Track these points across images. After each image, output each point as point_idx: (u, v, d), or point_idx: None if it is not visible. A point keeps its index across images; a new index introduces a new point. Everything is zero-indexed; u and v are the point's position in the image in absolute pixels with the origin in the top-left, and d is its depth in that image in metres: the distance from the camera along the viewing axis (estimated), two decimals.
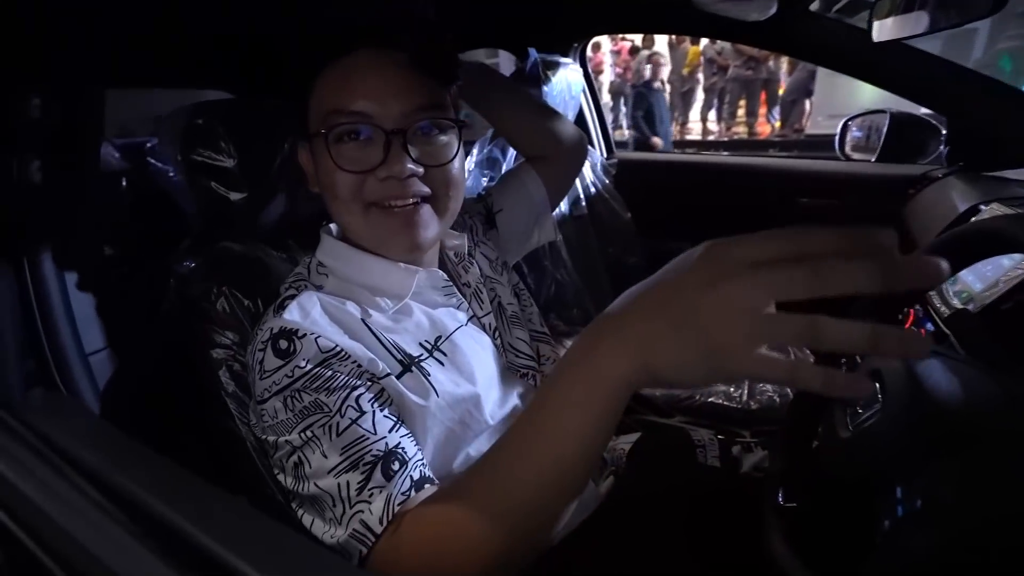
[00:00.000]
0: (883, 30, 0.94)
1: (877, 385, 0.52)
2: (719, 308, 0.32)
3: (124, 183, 1.23)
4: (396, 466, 0.48)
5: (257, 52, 0.75)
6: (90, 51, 0.54)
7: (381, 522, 0.45)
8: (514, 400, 0.68)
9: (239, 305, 0.71)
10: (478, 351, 0.66)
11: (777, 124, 7.27)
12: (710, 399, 1.24)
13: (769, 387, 1.26)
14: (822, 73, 6.34)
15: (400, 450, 0.49)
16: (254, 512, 0.38)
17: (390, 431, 0.50)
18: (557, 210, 1.51)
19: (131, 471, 0.40)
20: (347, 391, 0.51)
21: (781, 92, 7.17)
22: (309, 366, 0.51)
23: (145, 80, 0.87)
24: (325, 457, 0.48)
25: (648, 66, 5.14)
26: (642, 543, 0.67)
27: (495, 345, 0.69)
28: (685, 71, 7.95)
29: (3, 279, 0.49)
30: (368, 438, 0.49)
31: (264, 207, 0.78)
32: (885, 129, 1.46)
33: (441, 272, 0.67)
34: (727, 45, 6.87)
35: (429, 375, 0.59)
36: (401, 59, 0.57)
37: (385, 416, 0.52)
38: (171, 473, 0.41)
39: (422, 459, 0.51)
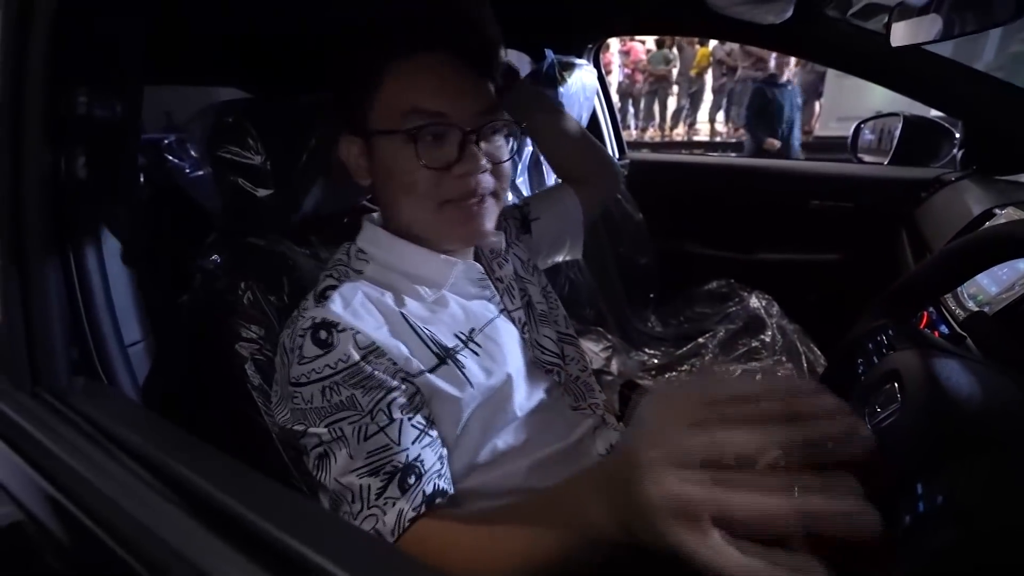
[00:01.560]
0: (901, 35, 0.94)
1: (896, 385, 0.53)
2: (664, 505, 0.33)
3: (142, 179, 1.25)
4: (412, 480, 0.52)
5: (288, 50, 0.76)
6: (130, 48, 0.56)
7: (393, 533, 0.50)
8: (540, 394, 0.69)
9: (264, 299, 0.72)
10: (509, 343, 0.68)
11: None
12: None
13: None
14: (831, 75, 6.33)
15: (419, 463, 0.54)
16: (294, 494, 0.40)
17: (413, 442, 0.54)
18: None
19: (176, 453, 0.41)
20: (382, 392, 0.54)
21: None
22: (349, 360, 0.54)
23: (176, 78, 0.88)
24: (351, 458, 0.52)
25: (772, 59, 4.08)
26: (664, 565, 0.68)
27: (523, 339, 0.71)
28: (693, 72, 7.95)
29: (53, 272, 0.50)
30: (391, 448, 0.53)
31: (289, 204, 0.79)
32: (898, 132, 1.47)
33: (478, 265, 0.69)
34: (736, 46, 6.85)
35: (464, 367, 0.61)
36: (463, 62, 0.60)
37: (412, 425, 0.55)
38: (213, 455, 0.43)
39: (439, 469, 0.55)
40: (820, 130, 6.68)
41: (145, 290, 0.72)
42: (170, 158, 1.10)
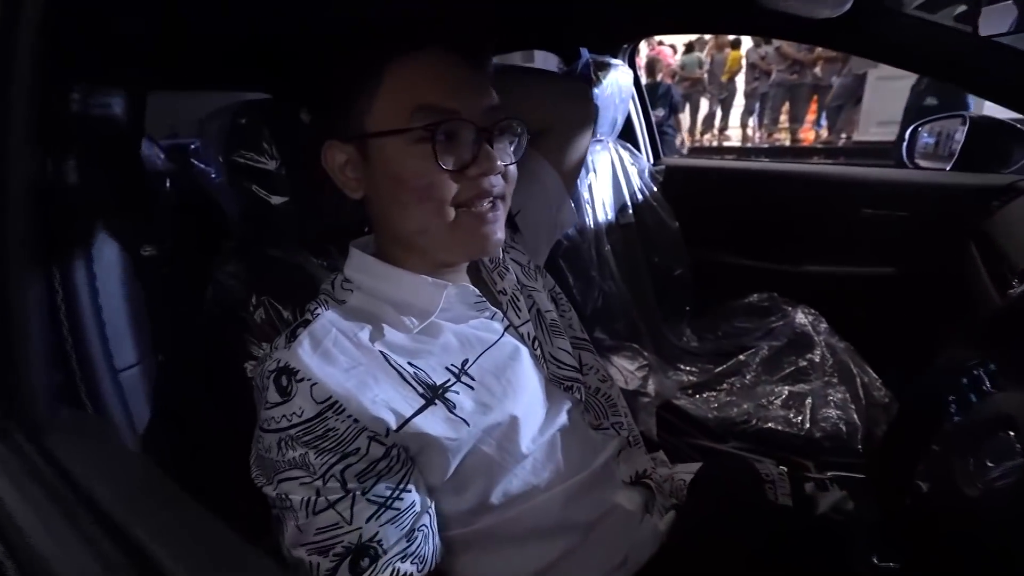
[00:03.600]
0: (992, 22, 0.84)
1: (1012, 435, 0.45)
2: None
3: (168, 184, 1.23)
4: (366, 563, 0.48)
5: (301, 50, 0.71)
6: (133, 49, 0.51)
7: None
8: (562, 418, 0.63)
9: (278, 317, 0.67)
10: (515, 367, 0.61)
11: (824, 131, 7.03)
12: (768, 424, 1.15)
13: (833, 411, 1.17)
14: (872, 78, 6.11)
15: (375, 543, 0.49)
16: None
17: (370, 519, 0.49)
18: (604, 217, 1.46)
19: (159, 529, 0.35)
20: (335, 457, 0.49)
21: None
22: (303, 415, 0.49)
23: (184, 83, 0.84)
24: (300, 531, 0.49)
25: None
26: None
27: (535, 356, 0.64)
28: (724, 77, 7.77)
29: (33, 287, 0.45)
30: (341, 526, 0.48)
31: (307, 212, 0.74)
32: (962, 135, 1.36)
33: (473, 288, 0.62)
34: (771, 49, 6.68)
35: (455, 407, 0.55)
36: (465, 57, 0.56)
37: (369, 499, 0.49)
38: (197, 520, 0.36)
39: (403, 548, 0.50)
40: (859, 135, 6.44)
41: (154, 305, 0.68)
42: (196, 163, 1.08)
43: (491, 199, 0.57)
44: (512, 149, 0.60)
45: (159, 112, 0.90)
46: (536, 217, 0.81)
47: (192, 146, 1.08)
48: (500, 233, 0.58)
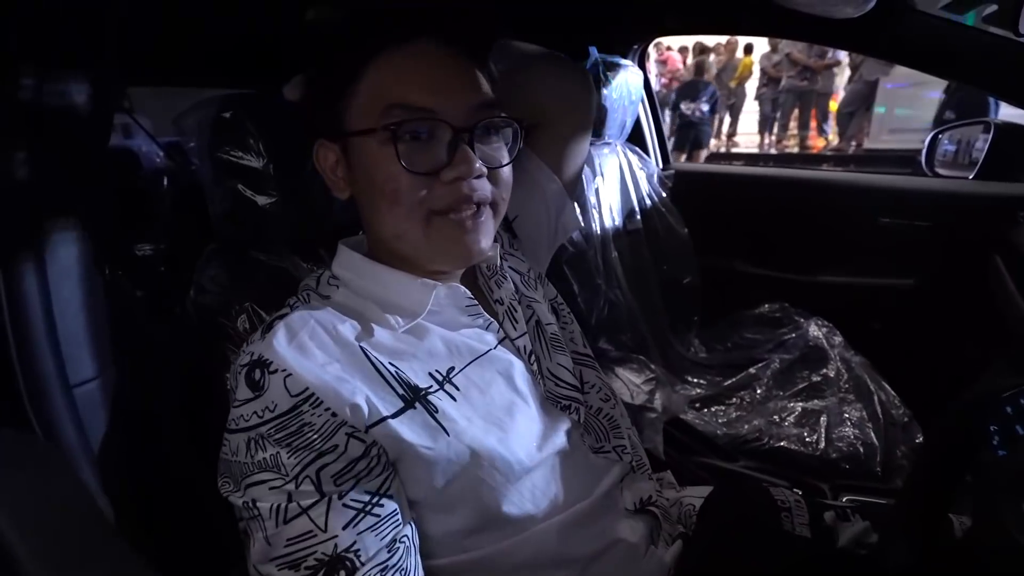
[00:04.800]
0: None
1: None
2: None
3: (166, 182, 1.20)
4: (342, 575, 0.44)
5: (289, 42, 0.67)
6: (98, 39, 0.47)
7: None
8: (560, 439, 0.59)
9: (261, 324, 0.62)
10: (505, 382, 0.57)
11: (831, 137, 6.95)
12: (780, 443, 1.10)
13: (849, 430, 1.11)
14: (884, 84, 6.03)
15: (351, 554, 0.44)
16: None
17: (347, 526, 0.45)
18: (610, 223, 1.41)
19: None
20: (311, 455, 0.45)
21: (834, 104, 6.84)
22: (276, 409, 0.45)
23: (163, 78, 0.80)
24: (268, 544, 0.44)
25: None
26: None
27: (531, 371, 0.60)
28: (733, 84, 7.71)
29: None
30: (315, 535, 0.44)
31: (295, 213, 0.69)
32: (987, 142, 1.30)
33: (464, 289, 0.57)
34: (784, 55, 6.61)
35: (437, 412, 0.51)
36: (458, 51, 0.52)
37: (347, 503, 0.45)
38: None
39: (384, 560, 0.46)
40: (871, 142, 6.35)
41: (133, 310, 0.63)
42: (194, 161, 1.05)
43: (472, 205, 0.52)
44: (506, 150, 0.56)
45: (163, 110, 0.87)
46: (534, 222, 0.76)
47: (191, 144, 1.05)
48: (484, 242, 0.54)
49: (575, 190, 0.80)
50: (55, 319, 0.45)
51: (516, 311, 0.63)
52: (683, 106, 5.48)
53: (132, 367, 0.53)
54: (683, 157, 6.21)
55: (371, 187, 0.52)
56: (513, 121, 0.56)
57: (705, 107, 5.41)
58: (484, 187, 0.53)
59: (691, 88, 5.70)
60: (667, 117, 8.54)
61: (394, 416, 0.48)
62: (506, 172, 0.56)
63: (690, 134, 5.53)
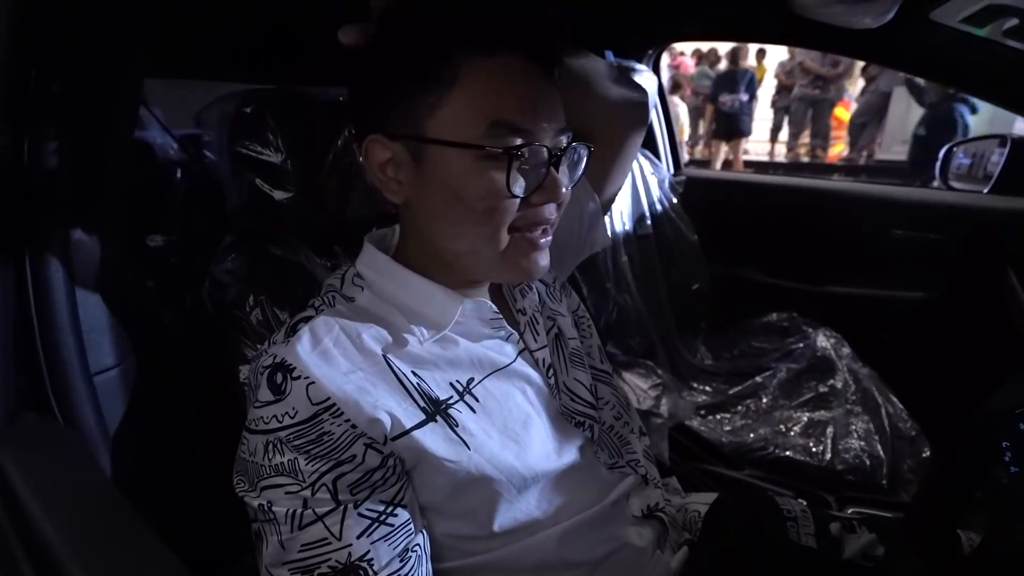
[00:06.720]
0: None
1: None
2: None
3: (179, 174, 1.21)
4: None
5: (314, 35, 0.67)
6: (129, 29, 0.47)
7: None
8: (572, 454, 0.59)
9: (274, 318, 0.63)
10: (519, 396, 0.57)
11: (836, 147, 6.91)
12: (786, 452, 1.10)
13: (856, 442, 1.11)
14: (897, 96, 5.99)
15: (365, 563, 0.45)
16: None
17: (361, 535, 0.45)
18: (621, 227, 1.41)
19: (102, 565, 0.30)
20: (328, 464, 0.44)
21: (842, 111, 6.79)
22: (296, 416, 0.44)
23: (186, 70, 0.80)
24: (282, 548, 0.44)
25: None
26: None
27: (547, 385, 0.60)
28: None
29: (1, 280, 0.42)
30: (329, 542, 0.44)
31: (312, 208, 0.70)
32: (1003, 156, 1.30)
33: (489, 304, 0.56)
34: (799, 63, 6.57)
35: (457, 426, 0.51)
36: (540, 66, 0.50)
37: (362, 512, 0.45)
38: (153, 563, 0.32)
39: (397, 569, 0.46)
40: (882, 153, 6.31)
41: (149, 301, 0.64)
42: (208, 154, 1.06)
43: (548, 224, 0.53)
44: (574, 173, 0.55)
45: (181, 102, 0.87)
46: (565, 232, 0.72)
47: (206, 137, 1.06)
48: (547, 259, 0.54)
49: (610, 207, 0.80)
50: (78, 309, 0.46)
51: (538, 323, 0.63)
52: (722, 98, 5.43)
53: (150, 356, 0.53)
54: (723, 146, 6.19)
55: (452, 200, 0.49)
56: (588, 146, 0.55)
57: (745, 96, 5.38)
58: (555, 209, 0.53)
59: (729, 79, 5.61)
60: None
61: (417, 428, 0.48)
62: (568, 193, 0.54)
63: (731, 123, 5.53)
